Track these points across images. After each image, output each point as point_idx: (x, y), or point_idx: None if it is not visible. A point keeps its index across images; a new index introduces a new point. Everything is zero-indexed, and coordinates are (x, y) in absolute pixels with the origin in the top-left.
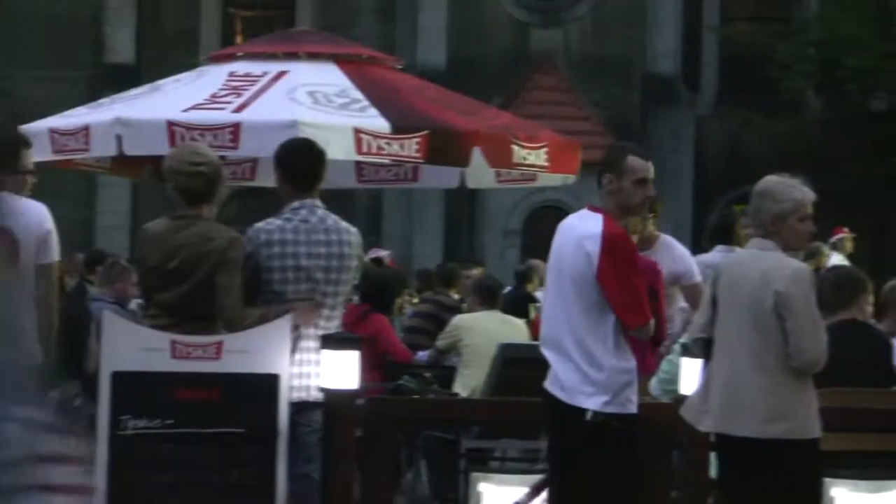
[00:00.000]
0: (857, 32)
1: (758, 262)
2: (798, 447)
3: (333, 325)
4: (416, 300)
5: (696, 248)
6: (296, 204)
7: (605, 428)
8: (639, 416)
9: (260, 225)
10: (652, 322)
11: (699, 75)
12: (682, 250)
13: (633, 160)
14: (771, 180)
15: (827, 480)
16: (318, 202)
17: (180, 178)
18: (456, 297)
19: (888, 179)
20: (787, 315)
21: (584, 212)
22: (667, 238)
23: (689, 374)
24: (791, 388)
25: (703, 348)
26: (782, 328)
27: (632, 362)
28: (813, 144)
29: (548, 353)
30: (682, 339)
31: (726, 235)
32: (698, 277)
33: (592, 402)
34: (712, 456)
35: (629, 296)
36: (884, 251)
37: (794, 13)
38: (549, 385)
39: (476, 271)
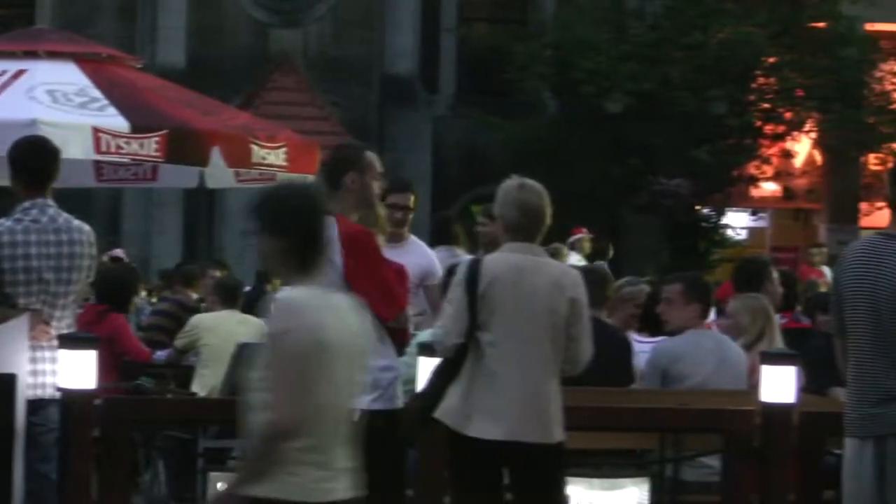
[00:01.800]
0: (592, 35)
1: (543, 269)
2: (562, 448)
3: (65, 325)
4: (154, 299)
5: (434, 248)
6: (27, 204)
7: (371, 427)
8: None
9: None
10: (408, 310)
11: (437, 76)
12: (428, 249)
13: (370, 155)
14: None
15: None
16: (49, 201)
17: None
18: (195, 296)
19: (623, 180)
20: (575, 321)
21: None
22: (414, 237)
23: (426, 374)
24: (559, 391)
25: (458, 355)
26: (566, 334)
27: (394, 360)
28: (549, 145)
29: None
30: (420, 339)
31: (447, 236)
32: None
33: (359, 403)
34: None
35: (379, 288)
36: (619, 251)
37: (530, 15)
38: None
39: (219, 273)
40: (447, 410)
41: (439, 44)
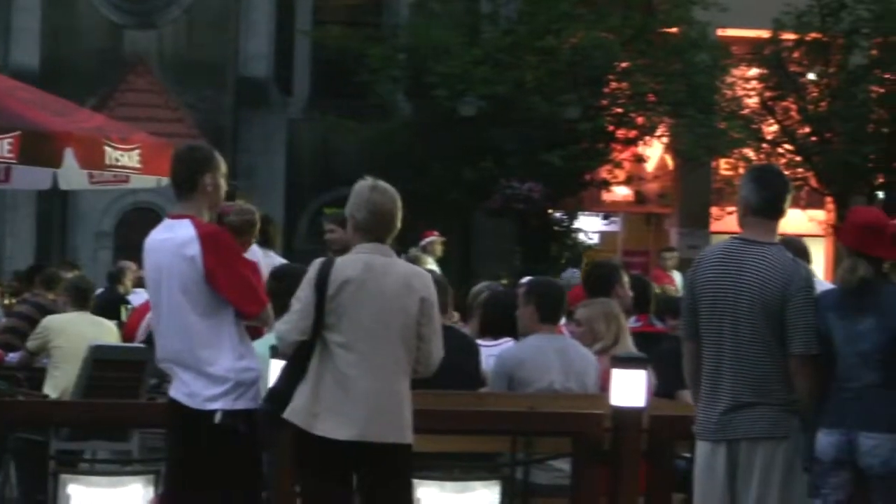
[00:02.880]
0: (446, 39)
1: (393, 269)
2: (411, 449)
3: None
4: (6, 301)
5: (289, 251)
6: None
7: (233, 429)
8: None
9: None
10: (269, 307)
11: (291, 79)
12: (257, 248)
13: (219, 154)
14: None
15: (415, 481)
16: None
17: None
18: (52, 297)
19: (476, 184)
20: (426, 321)
21: (168, 222)
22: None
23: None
24: (409, 392)
25: (304, 352)
26: (417, 334)
27: (255, 361)
28: (403, 148)
29: (170, 367)
30: (272, 342)
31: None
32: None
33: (221, 404)
34: None
35: (242, 286)
36: (471, 254)
37: (384, 19)
38: (173, 392)
39: (71, 274)
40: (295, 410)
41: (294, 46)
